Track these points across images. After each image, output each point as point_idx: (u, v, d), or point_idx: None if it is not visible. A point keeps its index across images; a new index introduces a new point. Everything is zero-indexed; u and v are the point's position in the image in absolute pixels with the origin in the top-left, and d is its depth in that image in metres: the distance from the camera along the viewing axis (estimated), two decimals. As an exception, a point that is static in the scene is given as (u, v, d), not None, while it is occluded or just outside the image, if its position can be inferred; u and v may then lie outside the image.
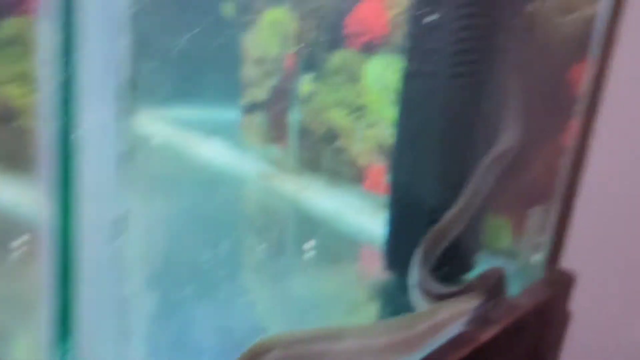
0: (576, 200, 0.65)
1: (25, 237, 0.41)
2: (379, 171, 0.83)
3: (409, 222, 0.62)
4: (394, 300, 0.61)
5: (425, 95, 0.60)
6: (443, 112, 0.59)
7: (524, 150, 0.62)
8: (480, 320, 0.49)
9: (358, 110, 0.87)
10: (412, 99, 0.62)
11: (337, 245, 0.76)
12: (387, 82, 0.81)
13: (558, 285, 0.64)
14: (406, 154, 0.63)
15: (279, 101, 0.99)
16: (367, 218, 0.79)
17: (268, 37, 0.98)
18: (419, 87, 0.60)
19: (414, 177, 0.62)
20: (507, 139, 0.61)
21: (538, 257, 0.66)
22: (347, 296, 0.63)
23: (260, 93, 1.01)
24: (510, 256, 0.67)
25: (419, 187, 0.61)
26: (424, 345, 0.44)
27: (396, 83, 0.76)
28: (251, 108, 1.04)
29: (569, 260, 0.65)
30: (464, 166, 0.60)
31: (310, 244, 0.71)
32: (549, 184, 0.67)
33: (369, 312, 0.62)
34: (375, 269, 0.69)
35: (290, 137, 0.96)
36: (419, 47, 0.60)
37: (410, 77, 0.62)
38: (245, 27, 1.01)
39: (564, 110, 0.65)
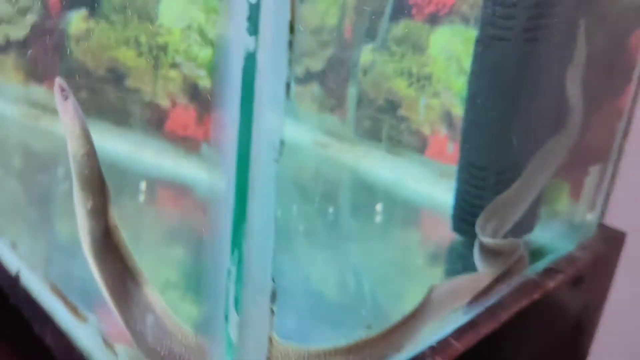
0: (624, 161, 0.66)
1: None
2: (442, 140, 0.80)
3: (476, 186, 0.62)
4: (461, 261, 0.62)
5: (497, 62, 0.58)
6: (516, 78, 0.58)
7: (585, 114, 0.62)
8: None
9: (422, 79, 0.82)
10: (484, 66, 0.60)
11: (400, 212, 0.75)
12: (453, 51, 0.78)
13: (610, 242, 0.68)
14: (477, 120, 0.62)
15: (336, 71, 0.89)
16: (429, 185, 0.76)
17: (327, 6, 0.87)
18: (492, 53, 0.59)
19: (484, 143, 0.61)
20: (575, 117, 0.61)
21: (592, 216, 0.69)
22: (413, 259, 0.64)
23: (315, 63, 0.89)
24: (567, 216, 0.70)
25: (488, 153, 0.61)
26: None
27: (462, 53, 0.75)
28: (306, 78, 0.90)
29: (619, 220, 0.69)
30: (532, 134, 0.60)
31: (378, 208, 0.70)
32: (605, 146, 0.67)
33: (436, 272, 0.64)
34: (439, 234, 0.69)
35: (349, 106, 0.89)
36: (492, 13, 0.58)
37: (482, 44, 0.60)
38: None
39: (624, 74, 0.65)
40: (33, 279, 0.53)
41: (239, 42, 0.26)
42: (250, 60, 0.26)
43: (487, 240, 0.57)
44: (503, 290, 0.54)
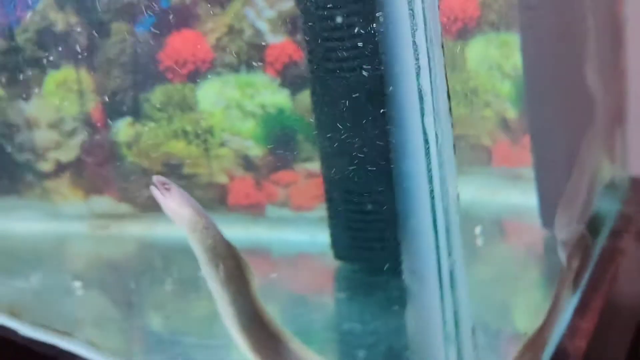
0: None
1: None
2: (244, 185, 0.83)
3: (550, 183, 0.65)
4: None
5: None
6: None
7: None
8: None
9: (202, 134, 0.81)
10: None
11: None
12: (230, 99, 0.78)
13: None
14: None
15: (94, 154, 0.88)
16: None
17: (58, 99, 0.87)
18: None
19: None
20: (599, 103, 0.64)
21: (624, 173, 0.75)
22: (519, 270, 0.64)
23: (65, 153, 0.89)
24: (609, 179, 0.75)
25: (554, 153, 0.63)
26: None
27: (241, 97, 0.78)
28: (58, 171, 0.91)
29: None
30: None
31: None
32: (621, 107, 0.72)
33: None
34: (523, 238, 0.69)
35: (119, 179, 0.88)
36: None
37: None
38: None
39: (617, 38, 0.70)
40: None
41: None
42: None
43: (562, 234, 0.62)
44: (590, 267, 0.60)
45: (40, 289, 0.79)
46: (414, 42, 0.27)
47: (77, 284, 0.79)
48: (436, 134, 0.30)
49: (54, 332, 0.67)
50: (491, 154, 0.77)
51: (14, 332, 0.69)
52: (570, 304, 0.53)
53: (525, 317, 0.50)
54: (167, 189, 0.45)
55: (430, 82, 0.29)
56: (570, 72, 0.60)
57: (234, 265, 0.46)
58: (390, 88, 0.29)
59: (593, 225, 0.64)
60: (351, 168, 0.63)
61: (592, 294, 0.55)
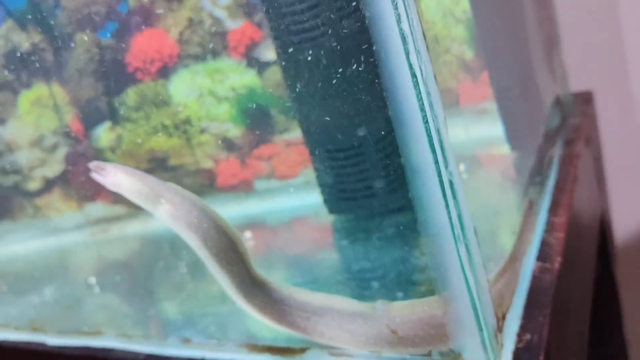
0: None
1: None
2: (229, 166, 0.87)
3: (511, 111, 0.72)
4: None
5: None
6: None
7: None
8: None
9: (181, 125, 0.85)
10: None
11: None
12: (201, 87, 0.82)
13: (586, 102, 0.85)
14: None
15: (78, 164, 0.90)
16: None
17: (34, 117, 0.88)
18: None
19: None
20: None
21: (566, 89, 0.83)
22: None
23: (51, 169, 0.91)
24: (556, 101, 0.82)
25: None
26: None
27: (213, 83, 0.81)
28: (47, 187, 0.93)
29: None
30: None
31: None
32: (554, 32, 0.80)
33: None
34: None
35: None
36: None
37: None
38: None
39: None
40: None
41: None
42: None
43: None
44: (553, 172, 0.68)
45: (55, 300, 0.82)
46: (391, -6, 0.33)
47: (90, 286, 0.82)
48: (420, 68, 0.36)
49: (82, 334, 0.70)
50: (458, 95, 0.83)
51: (41, 344, 0.72)
52: (543, 204, 0.61)
53: (510, 223, 0.57)
54: (102, 169, 0.47)
55: (409, 26, 0.35)
56: (510, 6, 0.67)
57: (218, 237, 0.47)
58: (375, 35, 0.34)
59: (549, 137, 0.72)
60: (332, 125, 0.69)
61: (559, 193, 0.62)
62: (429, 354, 0.45)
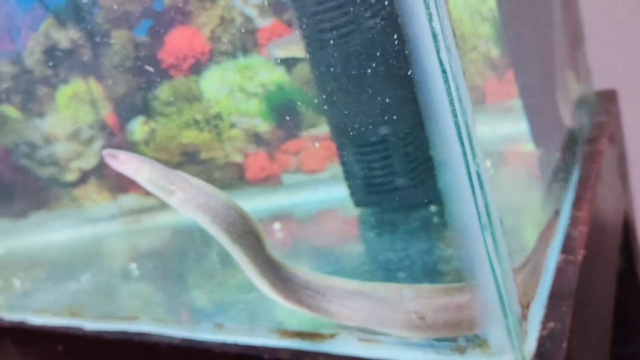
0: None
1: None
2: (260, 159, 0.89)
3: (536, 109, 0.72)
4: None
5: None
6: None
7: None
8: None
9: (212, 120, 0.88)
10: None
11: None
12: (231, 83, 0.84)
13: (611, 101, 0.85)
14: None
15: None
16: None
17: (72, 111, 0.91)
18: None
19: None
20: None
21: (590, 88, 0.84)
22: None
23: (87, 162, 0.93)
24: (581, 99, 0.83)
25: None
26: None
27: (242, 80, 0.83)
28: (83, 178, 0.96)
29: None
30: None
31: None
32: (578, 31, 0.81)
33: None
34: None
35: None
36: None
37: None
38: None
39: None
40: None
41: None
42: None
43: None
44: (577, 168, 0.69)
45: (91, 286, 0.86)
46: (423, -6, 0.35)
47: (128, 272, 0.86)
48: (450, 65, 0.37)
49: (118, 319, 0.73)
50: (484, 92, 0.83)
51: (79, 329, 0.75)
52: (566, 199, 0.62)
53: (534, 218, 0.59)
54: (115, 156, 0.51)
55: (440, 24, 0.36)
56: (536, 5, 0.68)
57: (227, 213, 0.49)
58: (407, 32, 0.36)
59: (575, 136, 0.73)
60: (360, 119, 0.71)
61: (582, 189, 0.63)
62: (455, 340, 0.46)
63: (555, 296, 0.49)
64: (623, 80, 0.96)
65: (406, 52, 0.38)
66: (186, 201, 0.50)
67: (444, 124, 0.38)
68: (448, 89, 0.37)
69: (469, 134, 0.39)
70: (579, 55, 0.88)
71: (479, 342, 0.45)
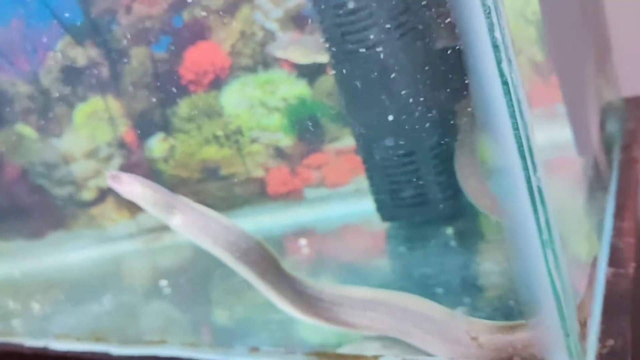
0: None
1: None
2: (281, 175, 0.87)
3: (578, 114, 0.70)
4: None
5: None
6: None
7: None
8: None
9: (232, 136, 0.85)
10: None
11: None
12: (251, 98, 0.83)
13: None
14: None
15: (134, 173, 0.91)
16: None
17: (89, 129, 0.89)
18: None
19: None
20: None
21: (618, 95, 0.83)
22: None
23: (105, 179, 0.91)
24: (609, 105, 0.81)
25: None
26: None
27: (263, 94, 0.82)
28: (101, 197, 0.94)
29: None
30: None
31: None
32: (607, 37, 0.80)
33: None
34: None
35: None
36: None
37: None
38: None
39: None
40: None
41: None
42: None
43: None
44: (615, 177, 0.67)
45: (114, 308, 0.83)
46: (483, 3, 0.33)
47: (148, 294, 0.83)
48: (511, 76, 0.36)
49: (146, 344, 0.71)
50: (530, 97, 0.84)
51: (106, 354, 0.73)
52: (608, 209, 0.60)
53: (581, 229, 0.57)
54: (118, 178, 0.51)
55: (501, 34, 0.35)
56: (574, 9, 0.66)
57: (227, 234, 0.50)
58: (466, 42, 0.34)
59: (607, 143, 0.71)
60: (388, 131, 0.69)
61: (623, 198, 0.62)
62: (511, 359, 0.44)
63: (610, 312, 0.47)
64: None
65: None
66: (187, 225, 0.51)
67: (504, 137, 0.37)
68: (509, 101, 0.36)
69: (529, 147, 0.37)
70: (607, 61, 0.87)
71: (537, 361, 0.43)
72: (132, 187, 0.51)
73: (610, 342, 0.44)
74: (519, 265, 0.41)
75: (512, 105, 0.36)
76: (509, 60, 0.35)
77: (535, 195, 0.38)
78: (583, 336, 0.43)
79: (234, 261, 0.51)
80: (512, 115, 0.36)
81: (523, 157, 0.37)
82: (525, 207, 0.38)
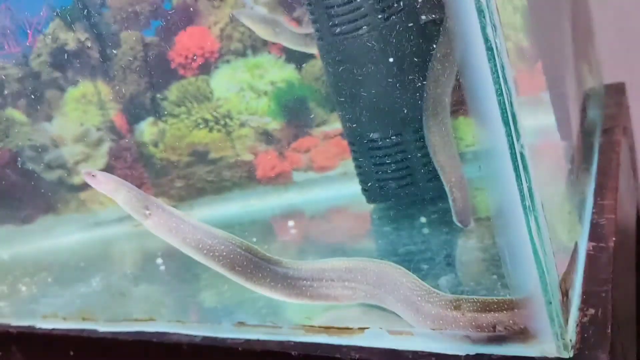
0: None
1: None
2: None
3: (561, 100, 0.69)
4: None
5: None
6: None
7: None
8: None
9: (221, 119, 0.85)
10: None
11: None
12: (241, 82, 0.83)
13: (619, 93, 0.85)
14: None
15: (123, 158, 0.90)
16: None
17: (79, 113, 0.89)
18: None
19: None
20: None
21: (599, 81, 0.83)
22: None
23: (95, 163, 0.91)
24: (591, 91, 0.81)
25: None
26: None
27: (252, 78, 0.81)
28: None
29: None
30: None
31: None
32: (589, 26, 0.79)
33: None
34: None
35: (151, 177, 0.92)
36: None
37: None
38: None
39: None
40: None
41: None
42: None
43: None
44: (595, 159, 0.67)
45: (102, 289, 0.82)
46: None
47: (136, 275, 0.82)
48: (495, 42, 0.35)
49: (134, 321, 0.70)
50: (517, 84, 0.83)
51: (94, 331, 0.72)
52: (589, 189, 0.60)
53: (563, 209, 0.57)
54: (93, 175, 0.53)
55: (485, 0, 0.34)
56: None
57: (194, 233, 0.53)
58: (451, 9, 0.34)
59: (588, 127, 0.71)
60: (374, 115, 0.69)
61: (604, 178, 0.62)
62: (494, 329, 0.44)
63: (591, 282, 0.47)
64: (630, 74, 0.95)
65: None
66: (159, 224, 0.53)
67: (488, 103, 0.36)
68: (494, 66, 0.35)
69: (513, 114, 0.37)
70: (590, 48, 0.87)
71: (519, 329, 0.43)
72: (107, 184, 0.53)
73: (591, 311, 0.44)
74: (502, 233, 0.41)
75: (497, 70, 0.36)
76: (494, 26, 0.35)
77: (518, 162, 0.37)
78: (565, 305, 0.43)
79: (203, 257, 0.53)
80: (497, 82, 0.36)
81: (507, 124, 0.37)
82: (508, 173, 0.38)
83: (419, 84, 0.69)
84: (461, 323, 0.45)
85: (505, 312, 0.44)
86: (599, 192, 0.59)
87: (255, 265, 0.53)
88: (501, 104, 0.36)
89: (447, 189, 0.63)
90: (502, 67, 0.36)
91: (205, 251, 0.53)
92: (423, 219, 0.70)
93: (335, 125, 0.81)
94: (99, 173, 0.53)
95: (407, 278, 0.49)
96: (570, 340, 0.42)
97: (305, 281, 0.53)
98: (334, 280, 0.52)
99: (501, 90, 0.36)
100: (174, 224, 0.53)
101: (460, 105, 0.73)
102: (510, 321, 0.44)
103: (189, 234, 0.52)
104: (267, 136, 0.85)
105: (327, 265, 0.53)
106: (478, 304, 0.45)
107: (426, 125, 0.66)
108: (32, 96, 0.88)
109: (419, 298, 0.47)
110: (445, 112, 0.67)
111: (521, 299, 0.42)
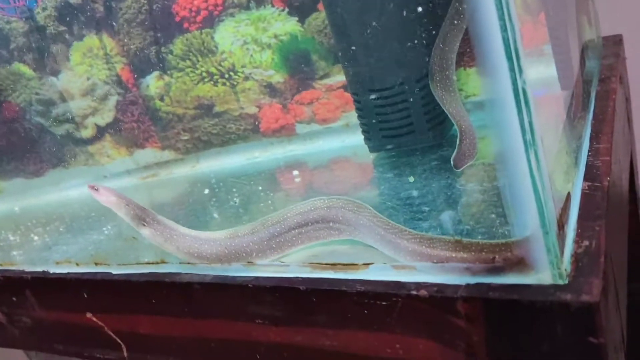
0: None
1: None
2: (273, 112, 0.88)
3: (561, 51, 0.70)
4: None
5: None
6: None
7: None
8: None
9: (226, 73, 0.86)
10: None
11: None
12: (245, 35, 0.83)
13: (617, 44, 0.85)
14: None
15: (130, 111, 0.90)
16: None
17: (85, 67, 0.89)
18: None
19: None
20: None
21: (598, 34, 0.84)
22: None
23: (102, 117, 0.90)
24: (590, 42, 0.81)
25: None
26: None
27: (255, 31, 0.81)
28: (99, 135, 0.94)
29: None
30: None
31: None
32: None
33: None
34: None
35: (157, 130, 0.92)
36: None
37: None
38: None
39: None
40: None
41: None
42: None
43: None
44: (592, 105, 0.68)
45: (113, 237, 0.84)
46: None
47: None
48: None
49: (145, 264, 0.71)
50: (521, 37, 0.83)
51: (107, 273, 0.73)
52: (586, 134, 0.61)
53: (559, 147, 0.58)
54: (97, 189, 0.59)
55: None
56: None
57: (192, 242, 0.60)
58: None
59: (586, 76, 0.72)
60: (376, 64, 0.69)
61: (600, 124, 0.63)
62: (493, 261, 0.46)
63: (585, 218, 0.48)
64: (627, 27, 0.95)
65: None
66: (154, 234, 0.60)
67: (492, 39, 0.37)
68: (498, 3, 0.36)
69: (516, 50, 0.37)
70: (589, 0, 0.86)
71: (517, 260, 0.44)
72: (109, 198, 0.58)
73: (585, 243, 0.45)
74: (504, 171, 0.42)
75: (501, 6, 0.36)
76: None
77: (520, 97, 0.38)
78: (561, 238, 0.45)
79: (196, 260, 0.60)
80: (501, 17, 0.36)
81: (510, 59, 0.37)
82: (510, 108, 0.39)
83: (422, 33, 0.69)
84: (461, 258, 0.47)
85: (502, 251, 0.46)
86: (595, 136, 0.60)
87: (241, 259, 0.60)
88: (505, 40, 0.37)
89: (458, 134, 0.65)
90: (507, 3, 0.36)
91: (195, 254, 0.60)
92: (429, 162, 0.71)
93: (338, 78, 0.82)
94: (101, 187, 0.59)
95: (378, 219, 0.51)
96: (566, 270, 0.44)
97: (291, 231, 0.57)
98: (316, 222, 0.56)
99: (505, 26, 0.36)
100: (168, 234, 0.60)
101: (460, 57, 0.74)
102: (509, 253, 0.45)
103: (180, 242, 0.59)
104: (270, 89, 0.86)
105: (304, 208, 0.56)
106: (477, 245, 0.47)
107: (434, 79, 0.67)
108: (39, 50, 0.88)
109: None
110: (452, 67, 0.68)
111: (519, 229, 0.44)
